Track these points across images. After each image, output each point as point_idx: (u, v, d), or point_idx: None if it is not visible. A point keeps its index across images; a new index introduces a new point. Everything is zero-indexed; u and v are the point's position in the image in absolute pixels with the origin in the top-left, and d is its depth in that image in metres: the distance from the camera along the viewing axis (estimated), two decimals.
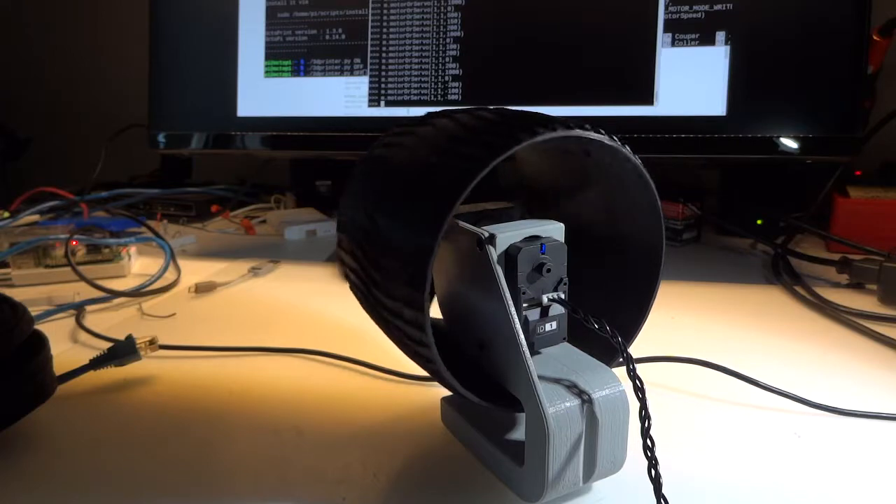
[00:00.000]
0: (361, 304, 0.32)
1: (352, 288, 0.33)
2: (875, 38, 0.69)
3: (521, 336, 0.26)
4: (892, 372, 0.42)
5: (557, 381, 0.27)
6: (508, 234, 0.28)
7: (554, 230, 0.29)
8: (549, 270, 0.28)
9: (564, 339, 0.30)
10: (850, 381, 0.41)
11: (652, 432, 0.25)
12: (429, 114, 0.32)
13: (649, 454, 0.24)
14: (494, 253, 0.27)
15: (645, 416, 0.25)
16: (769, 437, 0.34)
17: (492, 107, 0.31)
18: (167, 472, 0.32)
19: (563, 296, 0.29)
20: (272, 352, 0.45)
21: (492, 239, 0.27)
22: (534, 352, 0.29)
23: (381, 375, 0.42)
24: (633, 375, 0.25)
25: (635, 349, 0.32)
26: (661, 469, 0.24)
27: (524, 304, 0.28)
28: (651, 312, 0.32)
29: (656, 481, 0.24)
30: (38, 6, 1.24)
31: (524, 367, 0.26)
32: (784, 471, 0.31)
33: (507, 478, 0.29)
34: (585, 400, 0.26)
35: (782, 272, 0.63)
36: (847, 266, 0.59)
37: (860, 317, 0.51)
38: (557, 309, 0.29)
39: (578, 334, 0.30)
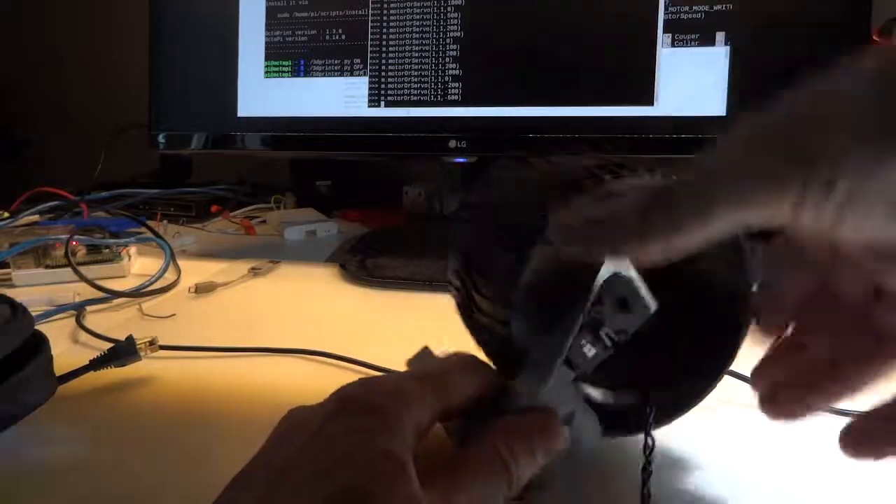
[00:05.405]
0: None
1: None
2: (875, 38, 0.69)
3: (567, 342, 0.26)
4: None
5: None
6: (619, 268, 0.27)
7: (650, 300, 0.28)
8: (624, 311, 0.27)
9: (586, 372, 0.28)
10: None
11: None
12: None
13: None
14: (603, 272, 0.26)
15: (646, 470, 0.25)
16: (769, 438, 0.34)
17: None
18: (167, 472, 0.32)
19: (610, 342, 0.27)
20: (272, 352, 0.45)
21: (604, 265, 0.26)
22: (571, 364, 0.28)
23: (381, 376, 0.42)
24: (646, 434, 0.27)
25: None
26: (660, 470, 0.24)
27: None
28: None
29: None
30: (37, 6, 1.24)
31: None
32: (784, 471, 0.31)
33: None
34: None
35: None
36: None
37: None
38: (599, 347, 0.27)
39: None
